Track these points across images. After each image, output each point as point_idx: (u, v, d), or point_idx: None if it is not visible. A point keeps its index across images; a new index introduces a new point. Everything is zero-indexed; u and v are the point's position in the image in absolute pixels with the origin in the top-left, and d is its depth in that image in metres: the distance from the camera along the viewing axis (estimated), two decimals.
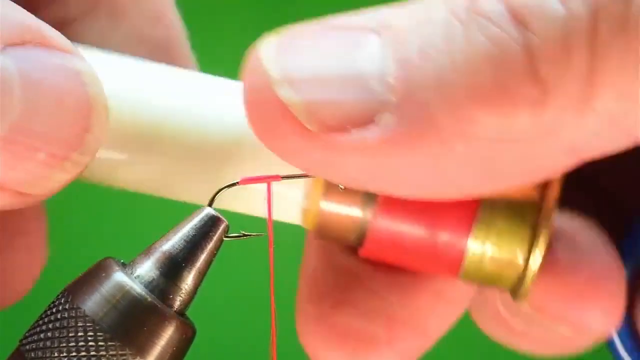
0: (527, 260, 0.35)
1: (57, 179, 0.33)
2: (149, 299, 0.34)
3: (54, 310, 0.34)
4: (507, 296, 0.37)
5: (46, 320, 0.34)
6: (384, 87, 0.29)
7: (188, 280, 0.35)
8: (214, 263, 0.36)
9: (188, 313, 0.36)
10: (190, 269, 0.35)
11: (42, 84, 0.32)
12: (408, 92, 0.29)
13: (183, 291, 0.35)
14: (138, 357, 0.34)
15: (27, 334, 0.35)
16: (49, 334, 0.34)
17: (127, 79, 0.35)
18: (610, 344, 0.40)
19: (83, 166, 0.33)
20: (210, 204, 0.36)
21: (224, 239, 0.36)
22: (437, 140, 0.29)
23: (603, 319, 0.37)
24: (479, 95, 0.28)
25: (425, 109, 0.28)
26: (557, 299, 0.37)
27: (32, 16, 0.33)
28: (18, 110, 0.31)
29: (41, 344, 0.34)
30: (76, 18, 0.41)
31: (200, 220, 0.35)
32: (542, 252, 0.34)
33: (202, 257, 0.35)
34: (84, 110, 0.32)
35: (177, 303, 0.35)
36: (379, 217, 0.35)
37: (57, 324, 0.34)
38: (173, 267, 0.35)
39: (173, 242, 0.35)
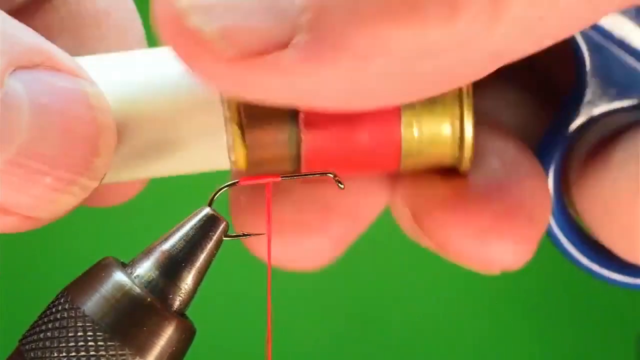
0: (460, 130, 0.35)
1: (64, 203, 0.32)
2: (149, 299, 0.34)
3: (53, 310, 0.34)
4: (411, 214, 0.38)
5: (46, 320, 0.34)
6: (296, 8, 0.29)
7: (188, 280, 0.35)
8: (213, 263, 0.36)
9: (188, 313, 0.36)
10: (190, 268, 0.35)
11: (50, 108, 0.31)
12: (319, 11, 0.28)
13: (183, 291, 0.35)
14: (138, 357, 0.34)
15: (27, 334, 0.35)
16: (49, 334, 0.34)
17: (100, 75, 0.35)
18: (548, 230, 0.40)
19: (90, 190, 0.33)
20: (209, 204, 0.36)
21: (224, 238, 0.36)
22: (352, 57, 0.29)
23: (512, 256, 0.37)
24: (390, 13, 0.28)
25: (337, 28, 0.28)
26: (462, 234, 0.37)
27: (42, 38, 0.33)
28: (26, 134, 0.31)
29: (41, 344, 0.34)
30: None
31: (200, 220, 0.35)
32: (472, 120, 0.35)
33: (202, 257, 0.35)
34: (92, 134, 0.32)
35: (177, 303, 0.35)
36: (307, 136, 0.35)
37: (57, 324, 0.34)
38: (173, 267, 0.35)
39: (173, 242, 0.35)
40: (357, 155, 0.36)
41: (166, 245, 0.35)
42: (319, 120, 0.35)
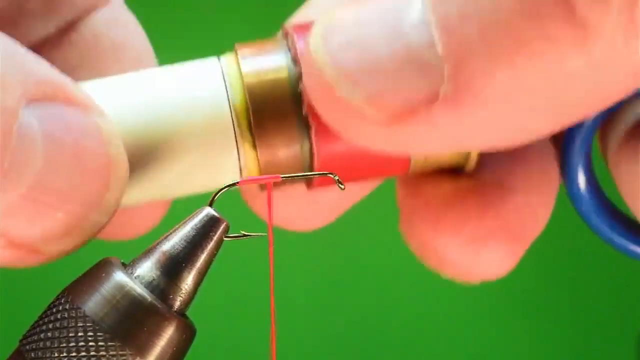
0: None
1: (74, 237, 0.32)
2: (149, 299, 0.34)
3: (54, 310, 0.34)
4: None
5: (46, 320, 0.34)
6: (436, 58, 0.29)
7: (188, 280, 0.35)
8: (214, 263, 0.36)
9: (188, 313, 0.36)
10: (191, 269, 0.35)
11: (63, 142, 0.31)
12: (458, 60, 0.28)
13: (183, 291, 0.35)
14: (138, 357, 0.34)
15: (27, 334, 0.35)
16: (49, 334, 0.34)
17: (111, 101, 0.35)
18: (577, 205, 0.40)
19: (101, 226, 0.33)
20: (210, 204, 0.36)
21: (224, 239, 0.36)
22: (496, 99, 0.29)
23: (497, 269, 0.37)
24: (524, 49, 0.28)
25: (478, 73, 0.28)
26: (451, 240, 0.37)
27: (55, 70, 0.32)
28: (39, 167, 0.31)
29: (41, 344, 0.34)
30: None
31: (200, 220, 0.35)
32: None
33: (202, 257, 0.35)
34: (104, 169, 0.32)
35: (177, 303, 0.35)
36: (319, 149, 0.36)
37: (57, 324, 0.34)
38: (173, 267, 0.35)
39: (173, 242, 0.35)
40: (367, 164, 0.36)
41: (166, 246, 0.35)
42: (330, 133, 0.35)
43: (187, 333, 0.35)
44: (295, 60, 0.35)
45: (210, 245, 0.35)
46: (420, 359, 1.14)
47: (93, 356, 0.33)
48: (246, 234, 0.37)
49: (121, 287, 0.34)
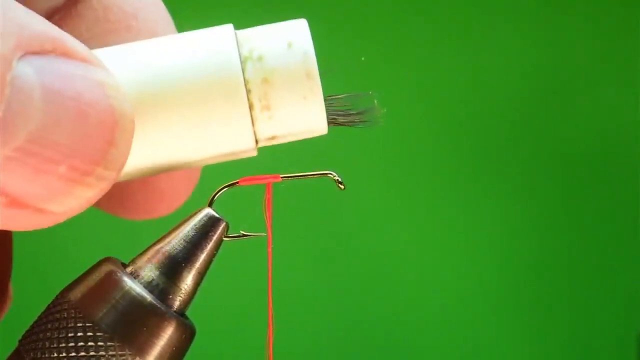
0: None
1: (79, 195, 0.31)
2: (149, 299, 0.34)
3: (53, 310, 0.34)
4: None
5: (45, 320, 0.34)
6: None
7: (188, 280, 0.35)
8: (213, 263, 0.36)
9: (188, 313, 0.36)
10: (190, 269, 0.35)
11: (63, 95, 0.30)
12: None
13: (183, 291, 0.35)
14: (137, 357, 0.34)
15: (26, 334, 0.35)
16: (49, 334, 0.34)
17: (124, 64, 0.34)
18: None
19: (108, 182, 0.31)
20: (209, 204, 0.36)
21: (224, 239, 0.36)
22: None
23: None
24: None
25: None
26: None
27: (54, 26, 0.31)
28: (37, 121, 0.30)
29: (40, 344, 0.34)
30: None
31: (200, 221, 0.35)
32: None
33: (202, 257, 0.35)
34: (108, 123, 0.31)
35: (177, 303, 0.35)
36: None
37: (57, 324, 0.34)
38: (173, 267, 0.35)
39: (173, 242, 0.35)
40: None
41: (166, 246, 0.35)
42: None
43: (187, 333, 0.35)
44: None
45: (210, 245, 0.35)
46: (419, 358, 1.14)
47: (92, 356, 0.33)
48: (246, 233, 0.37)
49: (120, 287, 0.34)
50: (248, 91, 0.34)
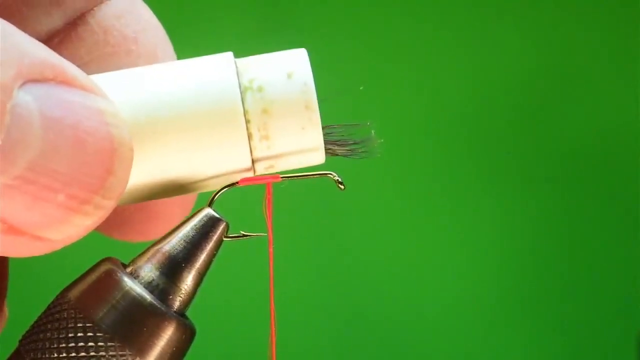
0: None
1: (78, 223, 0.31)
2: (149, 299, 0.34)
3: (53, 310, 0.34)
4: None
5: (45, 320, 0.34)
6: None
7: (188, 281, 0.35)
8: (214, 263, 0.36)
9: (188, 313, 0.36)
10: (190, 269, 0.35)
11: (62, 123, 0.30)
12: None
13: (183, 291, 0.35)
14: (138, 358, 0.34)
15: (26, 334, 0.35)
16: (49, 334, 0.34)
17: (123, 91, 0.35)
18: None
19: (106, 210, 0.32)
20: (210, 205, 0.36)
21: (224, 239, 0.36)
22: None
23: None
24: None
25: None
26: None
27: (54, 53, 0.32)
28: (37, 149, 0.30)
29: (41, 344, 0.34)
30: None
31: (200, 221, 0.35)
32: None
33: (202, 258, 0.35)
34: (107, 151, 0.31)
35: (177, 303, 0.35)
36: None
37: (57, 324, 0.34)
38: (173, 268, 0.35)
39: (173, 242, 0.35)
40: None
41: (166, 246, 0.35)
42: None
43: (187, 333, 0.35)
44: None
45: (210, 245, 0.35)
46: (419, 358, 1.14)
47: (92, 356, 0.33)
48: (246, 234, 0.37)
49: (121, 288, 0.34)
50: (247, 121, 0.34)
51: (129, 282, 0.34)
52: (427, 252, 1.13)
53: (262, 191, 0.38)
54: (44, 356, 0.34)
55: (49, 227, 0.31)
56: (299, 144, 0.35)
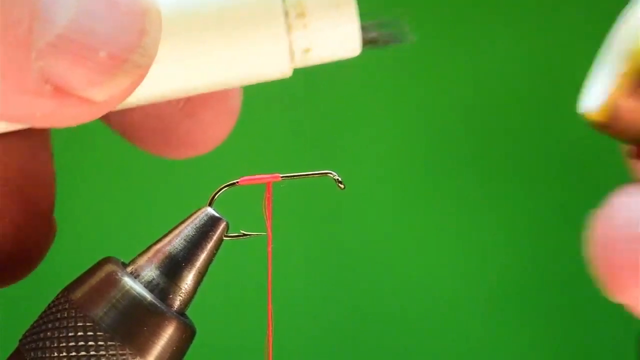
0: None
1: (119, 82, 0.32)
2: (149, 299, 0.34)
3: (53, 310, 0.34)
4: None
5: (46, 320, 0.34)
6: None
7: (188, 280, 0.35)
8: (214, 263, 0.36)
9: (188, 313, 0.36)
10: (190, 268, 0.35)
11: None
12: None
13: (183, 291, 0.35)
14: (138, 357, 0.34)
15: (27, 334, 0.35)
16: (49, 334, 0.34)
17: None
18: None
19: (144, 69, 0.33)
20: (210, 204, 0.36)
21: (224, 238, 0.36)
22: None
23: None
24: None
25: None
26: None
27: None
28: (73, 7, 0.31)
29: (41, 344, 0.34)
30: None
31: (200, 220, 0.35)
32: None
33: (202, 257, 0.35)
34: (138, 13, 0.32)
35: (177, 303, 0.35)
36: None
37: (57, 324, 0.34)
38: (173, 267, 0.35)
39: (173, 241, 0.35)
40: None
41: (166, 245, 0.35)
42: None
43: (187, 333, 0.35)
44: None
45: (210, 244, 0.35)
46: (419, 357, 1.14)
47: (93, 355, 0.33)
48: (246, 233, 0.37)
49: (121, 287, 0.34)
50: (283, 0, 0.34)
51: (129, 282, 0.34)
52: (427, 252, 1.13)
53: (262, 191, 0.38)
54: (44, 355, 0.34)
55: (93, 87, 0.32)
56: (334, 20, 0.34)
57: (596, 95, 0.36)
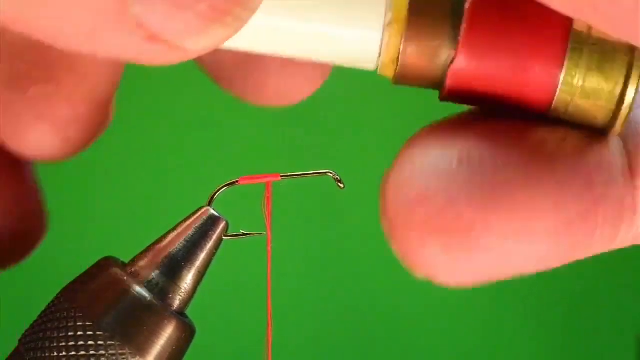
0: (622, 92, 0.33)
1: (215, 34, 0.31)
2: (149, 299, 0.34)
3: (53, 309, 0.34)
4: None
5: (45, 319, 0.34)
6: None
7: (188, 280, 0.35)
8: (213, 262, 0.36)
9: (188, 313, 0.36)
10: (190, 268, 0.35)
11: None
12: None
13: (183, 290, 0.35)
14: (138, 357, 0.34)
15: (26, 334, 0.35)
16: (49, 334, 0.34)
17: None
18: None
19: (243, 23, 0.31)
20: (209, 203, 0.36)
21: (224, 238, 0.36)
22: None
23: None
24: None
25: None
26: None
27: None
28: None
29: (40, 344, 0.34)
30: None
31: (199, 220, 0.35)
32: (637, 85, 0.33)
33: (202, 257, 0.35)
34: None
35: (176, 302, 0.35)
36: (463, 53, 0.34)
37: (57, 324, 0.34)
38: (173, 267, 0.35)
39: (173, 241, 0.35)
40: (504, 88, 0.34)
41: (166, 245, 0.35)
42: (477, 49, 0.33)
43: (187, 332, 0.35)
44: None
45: (210, 244, 0.35)
46: (419, 357, 1.14)
47: (92, 355, 0.33)
48: (245, 232, 0.37)
49: (120, 287, 0.34)
50: None
51: (128, 281, 0.34)
52: None
53: (261, 190, 0.38)
54: (44, 355, 0.34)
55: (188, 37, 0.31)
56: None
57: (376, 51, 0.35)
